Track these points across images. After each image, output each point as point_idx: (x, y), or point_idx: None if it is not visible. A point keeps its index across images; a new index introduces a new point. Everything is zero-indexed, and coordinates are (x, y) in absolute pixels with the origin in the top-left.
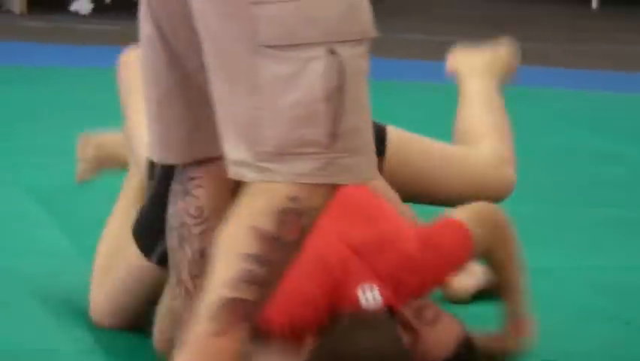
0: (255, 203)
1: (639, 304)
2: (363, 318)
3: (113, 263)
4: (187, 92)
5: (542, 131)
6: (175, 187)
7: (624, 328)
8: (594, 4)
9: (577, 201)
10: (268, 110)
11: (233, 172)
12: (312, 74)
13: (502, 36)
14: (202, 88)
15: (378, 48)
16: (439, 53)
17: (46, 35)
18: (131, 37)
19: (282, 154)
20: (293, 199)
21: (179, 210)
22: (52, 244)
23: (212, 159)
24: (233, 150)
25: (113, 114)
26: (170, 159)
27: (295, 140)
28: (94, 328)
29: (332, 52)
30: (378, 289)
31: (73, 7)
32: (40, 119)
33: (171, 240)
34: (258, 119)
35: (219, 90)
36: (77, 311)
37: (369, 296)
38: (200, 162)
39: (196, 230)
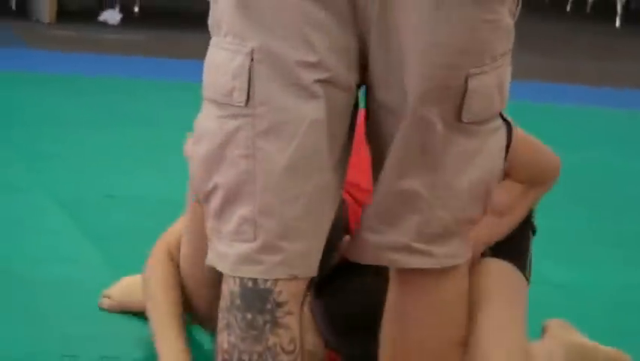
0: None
1: None
2: None
3: None
4: (337, 187)
5: (570, 147)
6: (254, 318)
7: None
8: (617, 22)
9: (605, 218)
10: (445, 190)
11: (386, 258)
12: (493, 147)
13: (529, 53)
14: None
15: None
16: None
17: (74, 44)
18: (158, 48)
19: (445, 235)
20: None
21: (272, 346)
22: (76, 252)
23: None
24: (392, 233)
25: (140, 123)
26: (313, 269)
27: (463, 219)
28: (117, 335)
29: (503, 117)
30: None
31: (102, 17)
32: (67, 126)
33: None
34: (433, 199)
35: (395, 166)
36: (100, 318)
37: None
38: (286, 281)
39: None
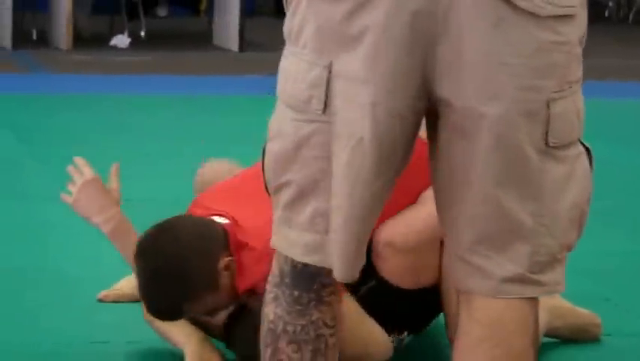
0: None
1: (617, 283)
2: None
3: None
4: (382, 203)
5: None
6: (300, 295)
7: (604, 304)
8: None
9: None
10: (548, 217)
11: (497, 290)
12: (581, 171)
13: None
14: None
15: None
16: None
17: (89, 67)
18: (163, 67)
19: (552, 262)
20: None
21: (315, 321)
22: (99, 252)
23: None
24: (505, 262)
25: (150, 134)
26: (351, 276)
27: (564, 245)
28: (141, 322)
29: (584, 145)
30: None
31: (113, 41)
32: (86, 140)
33: (304, 353)
34: (538, 227)
35: (495, 199)
36: (124, 308)
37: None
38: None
39: (332, 341)
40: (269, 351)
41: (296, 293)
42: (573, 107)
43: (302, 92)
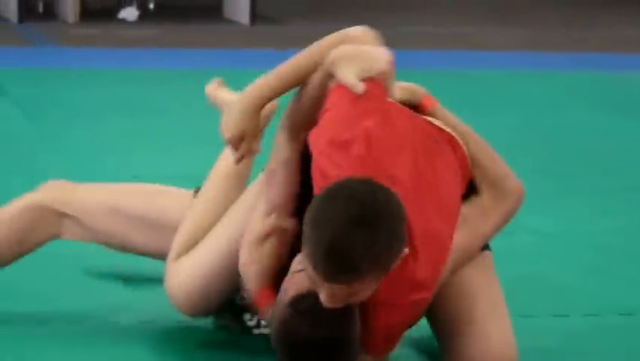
0: None
1: (628, 259)
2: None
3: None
4: None
5: (542, 109)
6: None
7: (617, 281)
8: None
9: (576, 171)
10: None
11: None
12: None
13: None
14: None
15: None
16: (447, 42)
17: (96, 41)
18: (172, 41)
19: None
20: None
21: None
22: None
23: None
24: None
25: (156, 109)
26: None
27: None
28: (152, 302)
29: None
30: None
31: (121, 14)
32: (93, 114)
33: None
34: None
35: None
36: (135, 289)
37: None
38: None
39: None
40: None
41: None
42: None
43: None
